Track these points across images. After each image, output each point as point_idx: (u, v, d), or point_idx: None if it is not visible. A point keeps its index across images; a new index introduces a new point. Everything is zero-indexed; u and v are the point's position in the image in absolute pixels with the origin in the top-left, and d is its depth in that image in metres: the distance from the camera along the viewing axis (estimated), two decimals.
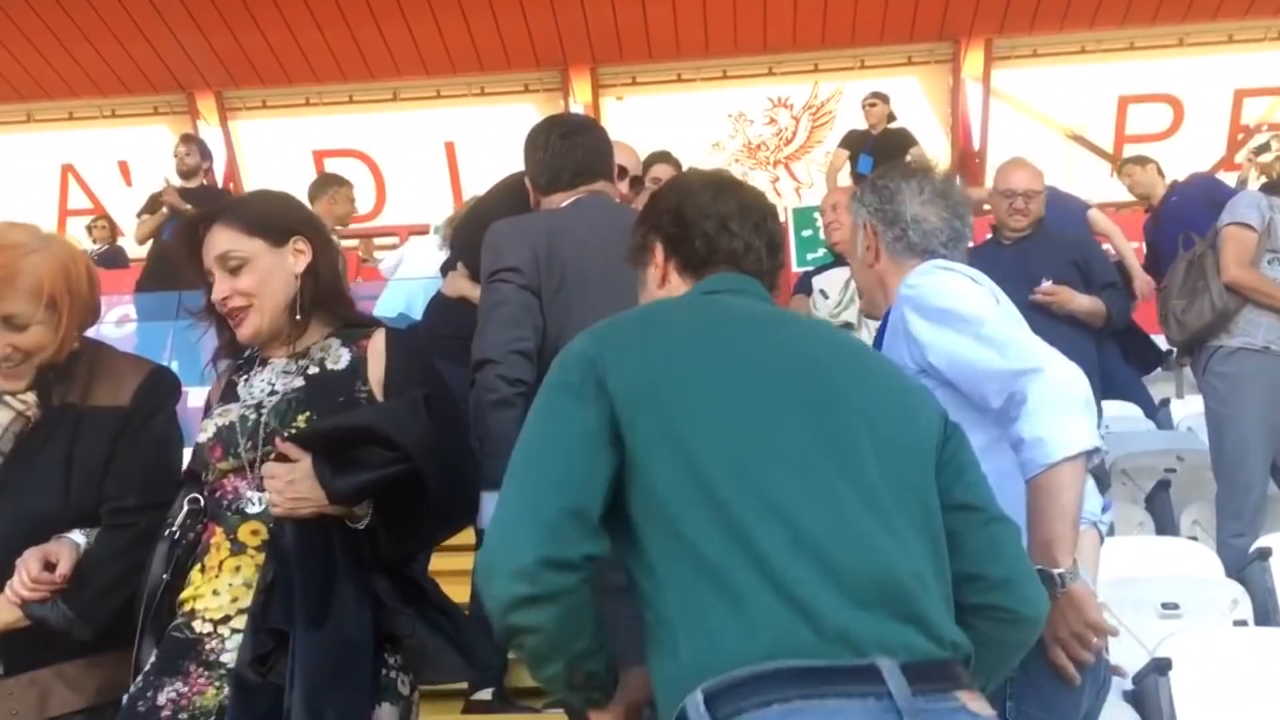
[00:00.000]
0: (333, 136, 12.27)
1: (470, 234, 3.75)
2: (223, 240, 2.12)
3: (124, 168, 12.23)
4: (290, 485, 1.94)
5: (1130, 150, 9.65)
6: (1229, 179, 7.96)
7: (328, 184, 6.79)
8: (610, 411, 1.49)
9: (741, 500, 1.43)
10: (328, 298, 2.17)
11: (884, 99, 8.41)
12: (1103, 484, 4.11)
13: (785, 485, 1.44)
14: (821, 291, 4.37)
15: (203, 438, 2.11)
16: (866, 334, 4.14)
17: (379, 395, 2.08)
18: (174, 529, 2.08)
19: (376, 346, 2.13)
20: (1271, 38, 11.21)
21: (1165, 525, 4.27)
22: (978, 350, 1.94)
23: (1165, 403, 5.47)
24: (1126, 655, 3.29)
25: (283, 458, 1.98)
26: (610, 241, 2.37)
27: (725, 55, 11.85)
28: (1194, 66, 11.41)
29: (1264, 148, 7.35)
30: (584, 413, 1.49)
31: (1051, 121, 11.78)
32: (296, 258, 2.14)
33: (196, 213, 2.22)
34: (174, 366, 7.29)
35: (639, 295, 1.90)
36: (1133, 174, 7.03)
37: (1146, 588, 3.50)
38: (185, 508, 2.10)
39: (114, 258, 9.55)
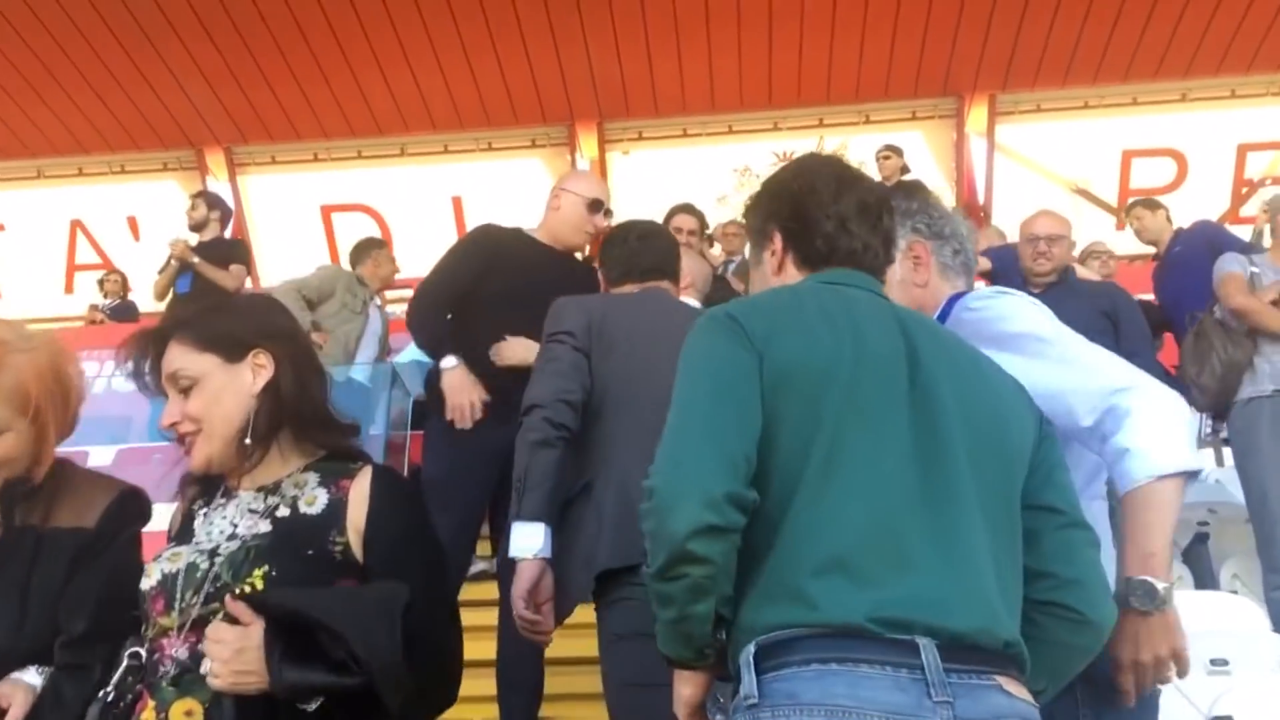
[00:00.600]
0: (341, 191, 12.32)
1: None
2: (173, 358, 1.88)
3: (133, 223, 12.27)
4: (236, 655, 1.65)
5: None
6: (1238, 232, 7.99)
7: (368, 248, 6.81)
8: (760, 369, 1.60)
9: (824, 484, 1.55)
10: (297, 420, 1.90)
11: (897, 152, 8.46)
12: None
13: (873, 479, 1.56)
14: None
15: (145, 584, 1.83)
16: None
17: (356, 548, 1.80)
18: (109, 690, 1.80)
19: (360, 489, 1.85)
20: (1274, 93, 11.31)
21: (1204, 579, 4.23)
22: (1062, 371, 1.86)
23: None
24: (1177, 713, 3.24)
25: (233, 619, 1.70)
26: (660, 327, 2.79)
27: (731, 110, 11.94)
28: (1197, 121, 11.51)
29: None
30: (751, 361, 1.61)
31: (1055, 176, 11.85)
32: (255, 374, 1.88)
33: (150, 328, 1.95)
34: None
35: (751, 272, 2.00)
36: (1141, 218, 6.95)
37: (1193, 643, 3.44)
38: (125, 663, 1.80)
39: (126, 311, 9.55)
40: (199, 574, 1.77)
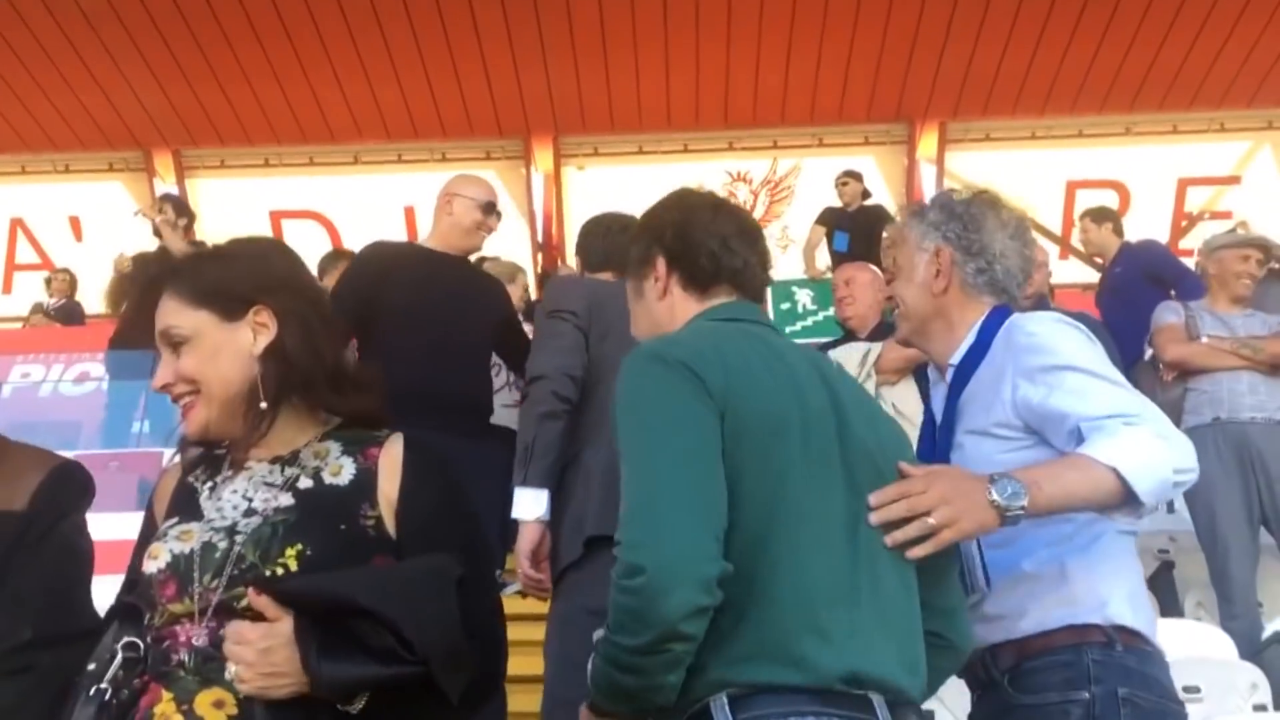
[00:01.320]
0: (292, 198, 12.18)
1: None
2: (166, 312, 1.68)
3: (75, 224, 12.02)
4: (263, 656, 1.46)
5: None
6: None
7: (336, 259, 6.67)
8: (719, 428, 1.59)
9: (792, 539, 1.58)
10: (308, 384, 1.67)
11: (856, 176, 8.58)
12: None
13: (826, 534, 1.61)
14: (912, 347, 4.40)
15: (151, 566, 1.59)
16: (884, 408, 4.16)
17: (389, 523, 1.61)
18: (103, 685, 1.55)
19: (391, 458, 1.65)
20: (1214, 129, 11.68)
21: (1169, 606, 4.32)
22: (1075, 399, 1.84)
23: None
24: None
25: (256, 614, 1.49)
26: None
27: (686, 129, 12.03)
28: (1140, 155, 11.83)
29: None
30: (713, 419, 1.59)
31: None
32: (256, 333, 1.66)
33: (157, 271, 1.78)
34: (145, 427, 7.17)
35: (632, 302, 2.00)
36: (1087, 230, 6.77)
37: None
38: (120, 655, 1.56)
39: (71, 313, 9.32)
40: (218, 554, 1.55)
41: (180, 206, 7.50)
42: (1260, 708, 3.48)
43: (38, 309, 10.15)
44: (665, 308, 1.90)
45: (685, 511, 1.52)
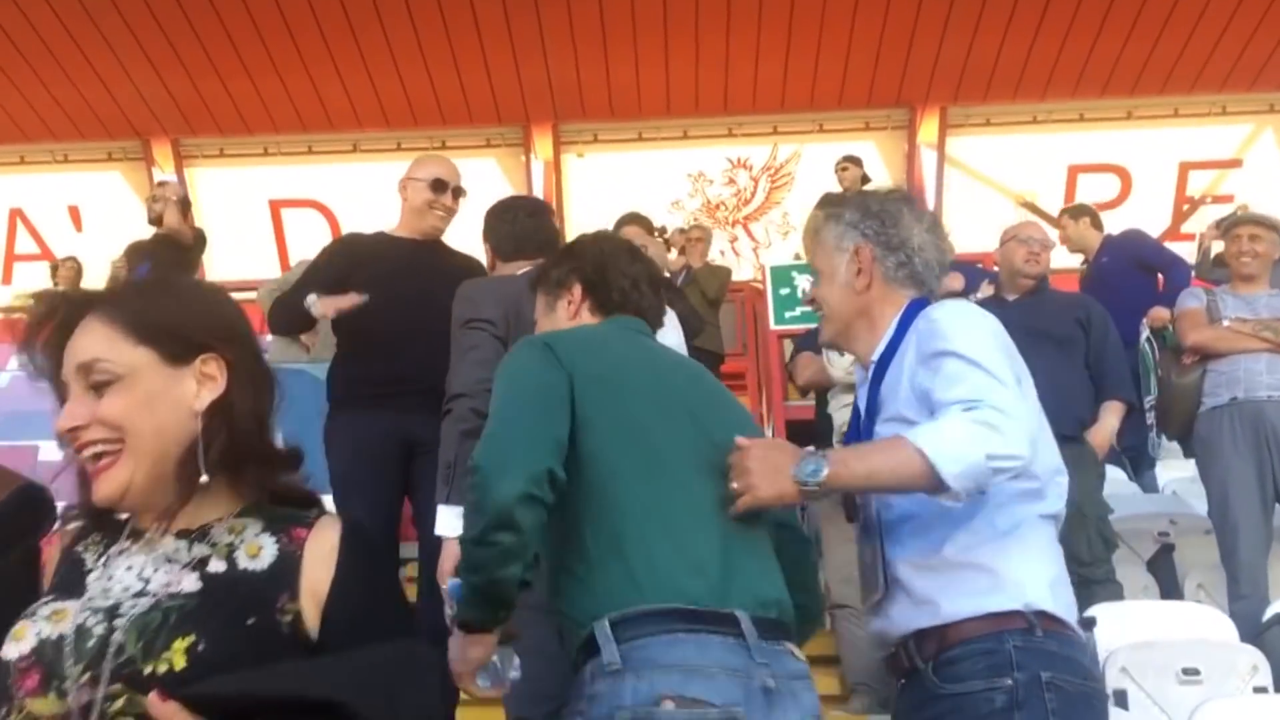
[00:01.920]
0: (291, 186, 12.15)
1: None
2: (92, 342, 1.38)
3: (74, 213, 11.99)
4: None
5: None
6: (1178, 248, 8.12)
7: None
8: (570, 384, 1.91)
9: (661, 478, 1.88)
10: (245, 455, 1.40)
11: (856, 162, 8.53)
12: (1110, 545, 4.16)
13: (687, 474, 1.92)
14: (838, 350, 4.36)
15: (11, 651, 1.30)
16: None
17: (311, 620, 1.34)
18: None
19: (321, 544, 1.38)
20: (1215, 113, 11.63)
21: (1169, 589, 4.32)
22: (951, 385, 1.90)
23: (1150, 464, 5.56)
24: (1148, 718, 3.31)
25: None
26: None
27: (686, 115, 11.99)
28: (1141, 138, 11.78)
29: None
30: (560, 376, 1.93)
31: (1003, 188, 12.06)
32: (202, 386, 1.39)
33: (68, 293, 1.52)
34: None
35: (541, 315, 2.32)
36: (1066, 227, 6.92)
37: (1166, 653, 3.53)
38: None
39: None
40: (93, 642, 1.27)
41: (177, 190, 7.50)
42: (1261, 690, 3.48)
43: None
44: (558, 323, 2.23)
45: (519, 431, 1.85)
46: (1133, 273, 6.34)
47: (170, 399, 1.38)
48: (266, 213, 12.02)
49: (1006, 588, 1.85)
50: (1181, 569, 4.42)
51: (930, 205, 12.06)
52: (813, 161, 11.67)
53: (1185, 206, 11.75)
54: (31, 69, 10.69)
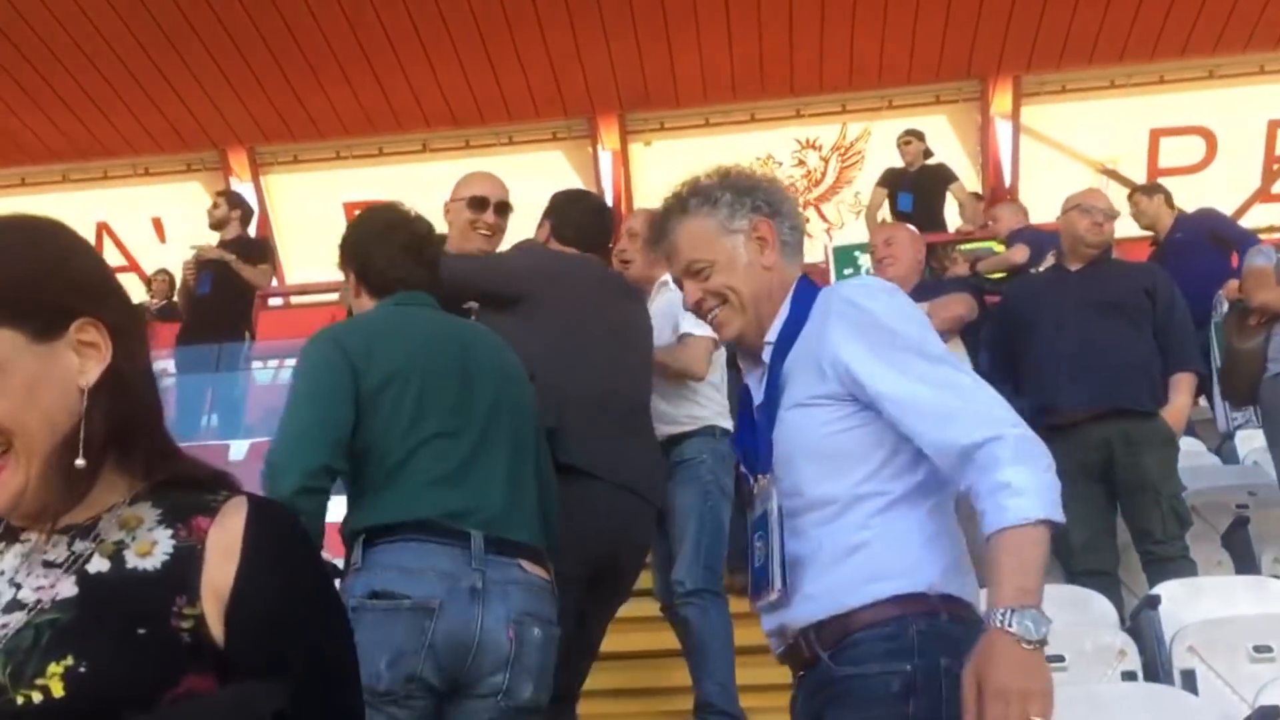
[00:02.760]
0: (363, 189, 12.30)
1: None
2: None
3: (158, 225, 12.33)
4: None
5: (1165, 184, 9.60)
6: (1268, 211, 7.82)
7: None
8: (353, 373, 2.39)
9: (424, 428, 2.39)
10: (140, 430, 1.18)
11: (919, 136, 8.38)
12: (1184, 522, 4.02)
13: (451, 421, 2.42)
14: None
15: None
16: None
17: (215, 626, 1.12)
18: None
19: (227, 533, 1.15)
20: None
21: (1245, 563, 4.15)
22: (938, 396, 1.77)
23: (1230, 436, 5.36)
24: (1220, 701, 3.18)
25: None
26: (610, 293, 3.36)
27: (752, 99, 11.88)
28: (1226, 98, 11.34)
29: None
30: (344, 369, 2.39)
31: (1082, 157, 11.70)
32: (84, 358, 1.16)
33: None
34: (213, 420, 7.31)
35: (352, 301, 2.74)
36: (1138, 204, 6.89)
37: (1236, 630, 3.38)
38: None
39: (171, 312, 9.51)
40: None
41: (235, 200, 7.64)
42: None
43: (143, 309, 10.40)
44: (360, 307, 2.67)
45: (300, 429, 2.36)
46: (1207, 248, 6.20)
47: (53, 381, 1.14)
48: (340, 216, 12.21)
49: (911, 572, 1.77)
50: (1258, 542, 4.24)
51: (1006, 177, 11.80)
52: (883, 139, 11.43)
53: (1275, 166, 11.29)
54: (110, 86, 11.01)
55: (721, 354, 3.87)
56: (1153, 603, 3.62)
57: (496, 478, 2.41)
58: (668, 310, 3.73)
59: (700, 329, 3.79)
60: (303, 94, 11.35)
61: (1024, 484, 1.65)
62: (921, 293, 4.30)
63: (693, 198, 2.01)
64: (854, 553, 1.80)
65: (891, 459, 1.82)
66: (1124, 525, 4.22)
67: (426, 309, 2.62)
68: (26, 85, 10.89)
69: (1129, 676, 3.47)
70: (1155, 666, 3.52)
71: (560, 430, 2.84)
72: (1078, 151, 11.75)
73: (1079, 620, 3.81)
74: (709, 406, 3.87)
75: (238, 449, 5.84)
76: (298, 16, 10.31)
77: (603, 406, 3.05)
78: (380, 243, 2.63)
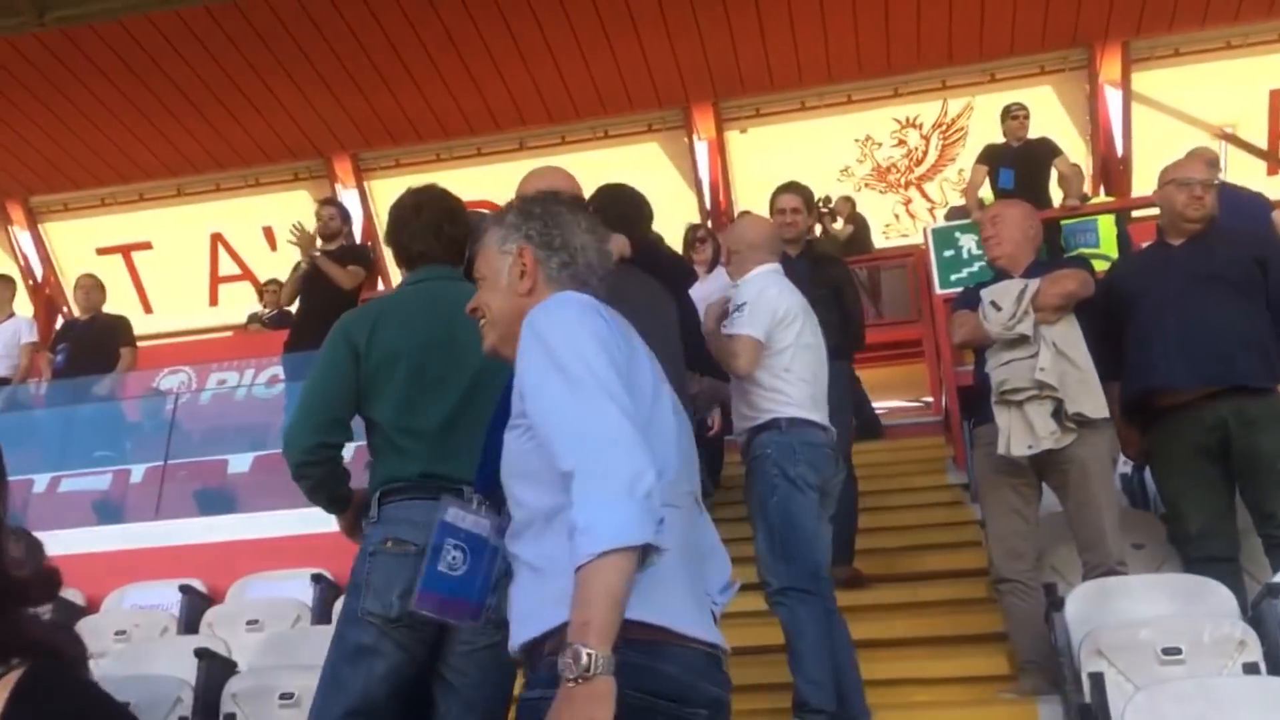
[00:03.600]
0: (464, 189, 12.20)
1: None
2: None
3: (269, 233, 12.68)
4: None
5: None
6: None
7: None
8: (355, 358, 2.84)
9: (422, 399, 2.82)
10: None
11: (1021, 110, 8.11)
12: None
13: (438, 391, 2.83)
14: (993, 304, 4.11)
15: None
16: (1044, 347, 3.92)
17: None
18: None
19: None
20: None
21: None
22: (561, 419, 1.75)
23: None
24: None
25: None
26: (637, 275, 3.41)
27: (849, 80, 11.70)
28: None
29: None
30: (348, 355, 2.86)
31: (1199, 122, 11.24)
32: None
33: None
34: None
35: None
36: None
37: None
38: None
39: (283, 321, 9.77)
40: None
41: (345, 213, 7.76)
42: None
43: (254, 319, 10.72)
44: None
45: (303, 411, 2.88)
46: None
47: None
48: None
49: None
50: None
51: (1118, 147, 11.39)
52: (986, 113, 11.14)
53: None
54: (219, 101, 11.35)
55: (794, 347, 3.93)
56: (1275, 590, 3.45)
57: (480, 438, 2.26)
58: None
59: (740, 328, 3.90)
60: (402, 99, 11.55)
61: (588, 519, 1.62)
62: (1036, 271, 4.15)
63: (495, 216, 2.15)
64: (541, 580, 1.79)
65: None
66: (1244, 508, 4.03)
67: (443, 282, 2.90)
68: (140, 103, 11.31)
69: (1250, 669, 3.33)
70: (1278, 658, 3.36)
71: None
72: (1194, 117, 11.29)
73: (1197, 610, 3.66)
74: (774, 399, 3.88)
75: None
76: (395, 24, 10.49)
77: None
78: (408, 221, 3.00)
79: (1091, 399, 3.91)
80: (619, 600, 1.60)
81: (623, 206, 3.58)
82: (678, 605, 1.74)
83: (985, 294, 4.22)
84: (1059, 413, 3.90)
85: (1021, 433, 3.93)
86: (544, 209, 2.08)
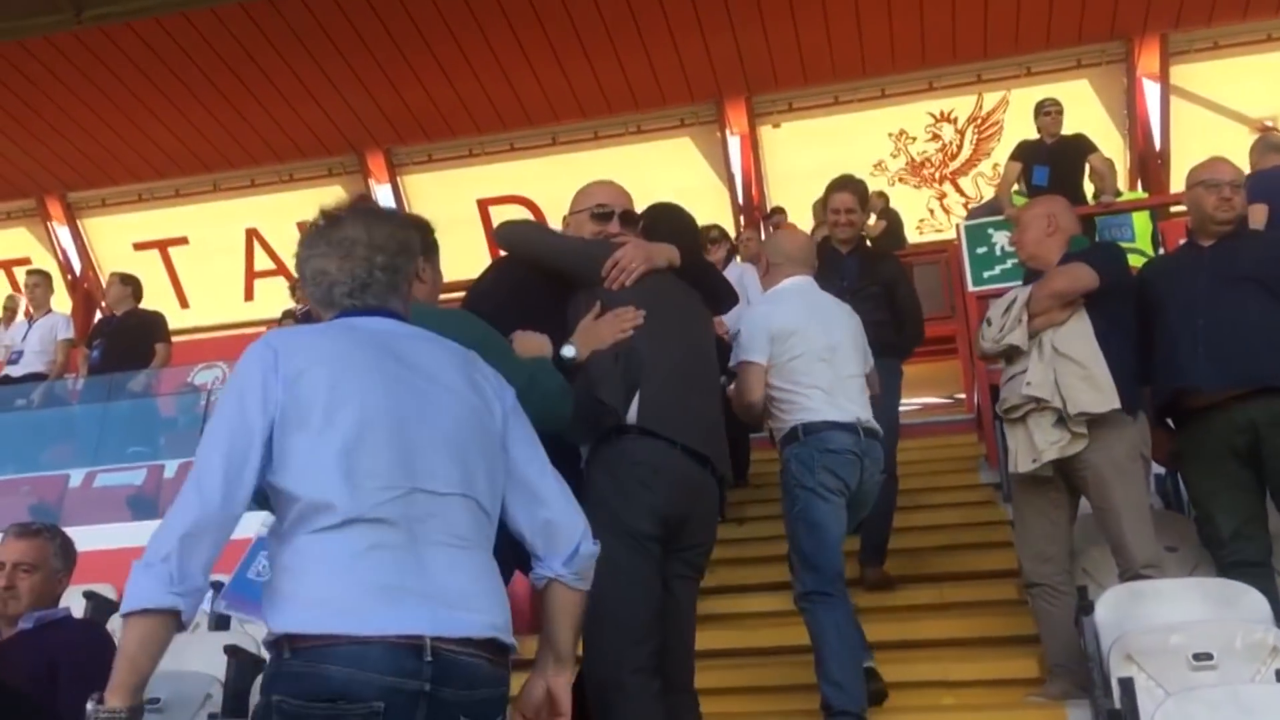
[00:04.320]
0: (496, 184, 12.53)
1: None
2: None
3: (303, 229, 12.71)
4: None
5: None
6: None
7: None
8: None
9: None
10: None
11: (1055, 106, 8.02)
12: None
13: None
14: (987, 320, 4.13)
15: None
16: (1035, 357, 3.88)
17: None
18: None
19: None
20: None
21: None
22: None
23: None
24: None
25: None
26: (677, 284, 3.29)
27: (883, 74, 11.61)
28: None
29: None
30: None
31: (1239, 116, 11.08)
32: None
33: None
34: None
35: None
36: None
37: None
38: None
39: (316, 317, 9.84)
40: None
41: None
42: None
43: (289, 314, 10.80)
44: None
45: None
46: None
47: None
48: (475, 212, 12.44)
49: (277, 611, 1.87)
50: None
51: (1156, 141, 11.24)
52: (1022, 107, 11.03)
53: None
54: (254, 97, 11.44)
55: (804, 356, 4.02)
56: None
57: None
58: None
59: (740, 355, 4.06)
60: (435, 93, 11.59)
61: (130, 580, 1.83)
62: (1065, 264, 4.07)
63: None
64: (266, 594, 1.94)
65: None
66: (1275, 511, 3.97)
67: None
68: (175, 99, 11.42)
69: None
70: None
71: (642, 397, 2.92)
72: (1234, 111, 11.12)
73: (1229, 615, 3.61)
74: (791, 408, 3.97)
75: None
76: (428, 18, 10.53)
77: (677, 377, 3.08)
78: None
79: (1095, 393, 3.81)
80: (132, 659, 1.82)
81: (673, 223, 3.47)
82: (353, 607, 1.83)
83: (993, 304, 4.24)
84: (1063, 420, 3.84)
85: (1025, 449, 3.90)
86: (307, 238, 2.19)
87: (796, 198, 10.59)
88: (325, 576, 1.85)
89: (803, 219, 9.18)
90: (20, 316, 8.63)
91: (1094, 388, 3.81)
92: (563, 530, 2.09)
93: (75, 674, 3.03)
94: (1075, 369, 3.83)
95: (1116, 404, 3.79)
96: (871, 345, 4.43)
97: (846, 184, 5.48)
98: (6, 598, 3.27)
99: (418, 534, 1.89)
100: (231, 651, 3.96)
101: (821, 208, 5.78)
